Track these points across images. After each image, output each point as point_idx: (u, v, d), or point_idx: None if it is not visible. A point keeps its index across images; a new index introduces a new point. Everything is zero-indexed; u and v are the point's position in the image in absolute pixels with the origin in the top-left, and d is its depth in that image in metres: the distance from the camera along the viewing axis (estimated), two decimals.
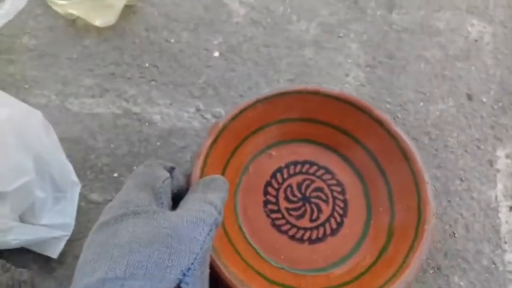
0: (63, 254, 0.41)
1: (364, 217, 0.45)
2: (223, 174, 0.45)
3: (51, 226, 0.40)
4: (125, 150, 0.48)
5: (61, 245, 0.41)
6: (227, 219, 0.43)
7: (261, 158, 0.47)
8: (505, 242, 0.48)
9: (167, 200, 0.33)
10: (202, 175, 0.41)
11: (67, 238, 0.41)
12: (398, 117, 0.52)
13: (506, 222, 0.49)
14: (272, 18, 0.56)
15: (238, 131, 0.45)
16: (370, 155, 0.46)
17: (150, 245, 0.26)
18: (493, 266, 0.46)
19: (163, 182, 0.34)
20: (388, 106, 0.53)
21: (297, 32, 0.56)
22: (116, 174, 0.46)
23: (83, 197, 0.45)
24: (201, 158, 0.42)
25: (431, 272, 0.45)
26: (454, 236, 0.47)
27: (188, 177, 0.41)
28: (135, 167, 0.47)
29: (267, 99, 0.45)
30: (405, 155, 0.43)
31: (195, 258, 0.27)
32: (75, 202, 0.43)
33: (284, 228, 0.45)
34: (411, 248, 0.40)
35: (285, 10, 0.57)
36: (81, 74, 0.51)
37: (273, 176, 0.47)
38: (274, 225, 0.45)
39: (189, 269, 0.26)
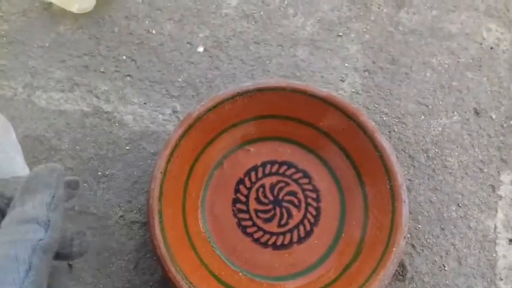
0: None
1: (336, 229, 0.42)
2: (192, 168, 0.42)
3: None
4: (91, 153, 0.44)
5: None
6: (190, 212, 0.41)
7: (237, 154, 0.44)
8: (501, 279, 0.43)
9: None
10: (166, 170, 0.38)
11: None
12: (394, 130, 0.47)
13: (504, 256, 0.44)
14: (266, 11, 0.51)
15: (213, 124, 0.42)
16: (352, 163, 0.43)
17: None
18: None
19: None
20: (384, 118, 0.48)
21: (291, 29, 0.50)
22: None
23: None
24: (168, 150, 0.39)
25: None
26: (444, 269, 0.43)
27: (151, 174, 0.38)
28: (99, 173, 0.43)
29: (247, 93, 0.41)
30: (386, 169, 0.40)
31: None
32: None
33: (250, 230, 0.42)
34: (375, 270, 0.37)
35: (281, 2, 0.52)
36: (52, 65, 0.47)
37: (247, 173, 0.44)
38: (239, 225, 0.42)
39: None
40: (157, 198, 0.37)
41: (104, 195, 0.43)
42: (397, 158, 0.45)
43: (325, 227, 0.42)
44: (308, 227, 0.42)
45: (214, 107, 0.41)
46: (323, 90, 0.41)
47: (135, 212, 0.43)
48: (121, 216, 0.42)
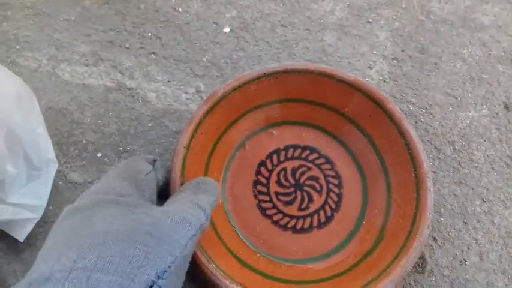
0: (32, 236, 0.38)
1: (357, 215, 0.41)
2: (214, 146, 0.42)
3: (21, 206, 0.37)
4: (113, 128, 0.44)
5: (28, 228, 0.38)
6: None
7: (260, 136, 0.44)
8: None
9: (150, 194, 0.31)
10: (189, 145, 0.38)
11: (36, 221, 0.38)
12: (421, 121, 0.46)
13: None
14: None
15: (237, 104, 0.41)
16: (376, 151, 0.42)
17: (126, 240, 0.23)
18: None
19: (146, 175, 0.31)
20: (411, 108, 0.47)
21: (320, 13, 0.49)
22: (99, 154, 0.43)
23: (62, 175, 0.42)
24: (192, 126, 0.38)
25: None
26: (465, 264, 0.42)
27: (170, 164, 0.38)
28: (120, 148, 0.43)
29: (274, 75, 0.41)
30: (412, 157, 0.39)
31: (173, 261, 0.24)
32: (50, 182, 0.39)
33: (269, 212, 0.41)
34: (397, 256, 0.36)
35: None
36: (77, 39, 0.47)
37: (269, 156, 0.43)
38: (259, 207, 0.42)
39: (165, 271, 0.24)
40: (180, 172, 0.37)
41: None
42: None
43: (346, 213, 0.41)
44: (329, 212, 0.41)
45: (240, 86, 0.40)
46: (350, 75, 0.40)
47: None
48: None
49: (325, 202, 0.42)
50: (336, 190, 0.42)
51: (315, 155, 0.43)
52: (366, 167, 0.42)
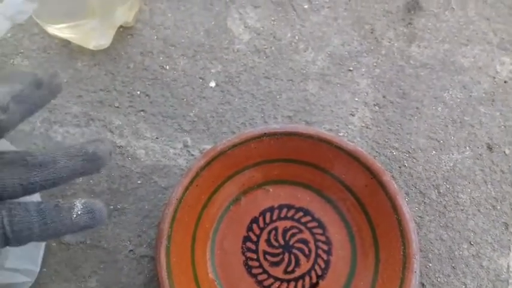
0: None
1: (342, 286, 0.41)
2: (209, 199, 0.42)
3: (15, 270, 0.39)
4: (104, 187, 0.45)
5: None
6: (199, 242, 0.41)
7: (257, 192, 0.44)
8: None
9: None
10: (182, 198, 0.39)
11: (30, 284, 0.39)
12: (405, 165, 0.47)
13: None
14: (277, 46, 0.52)
15: (237, 160, 0.42)
16: (370, 222, 0.42)
17: None
18: None
19: None
20: (394, 153, 0.48)
21: (302, 63, 0.51)
22: None
23: None
24: (187, 179, 0.39)
25: None
26: None
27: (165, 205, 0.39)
28: (111, 207, 0.44)
29: (274, 135, 0.42)
30: (402, 235, 0.39)
31: None
32: (43, 245, 0.41)
33: (255, 271, 0.42)
34: None
35: (292, 37, 0.52)
36: (70, 101, 0.49)
37: (262, 213, 0.44)
38: (246, 264, 0.42)
39: None
40: (169, 223, 0.38)
41: (115, 229, 0.44)
42: (408, 196, 0.45)
43: (331, 282, 0.42)
44: (314, 279, 0.42)
45: (241, 143, 0.41)
46: (349, 143, 0.41)
47: (144, 246, 0.43)
48: (131, 250, 0.43)
49: (312, 268, 0.42)
50: (325, 256, 0.42)
51: (308, 218, 0.44)
52: (358, 236, 0.43)
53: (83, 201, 0.26)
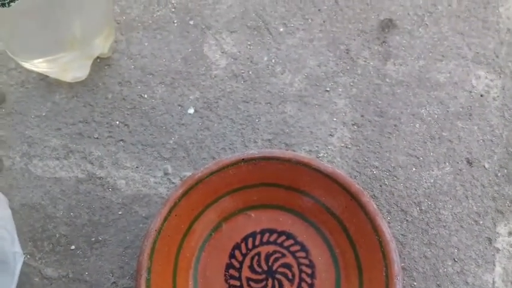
0: None
1: None
2: (189, 227, 0.42)
3: None
4: (85, 219, 0.45)
5: None
6: (181, 272, 0.41)
7: (238, 218, 0.44)
8: None
9: None
10: (161, 228, 0.39)
11: None
12: (385, 184, 0.47)
13: None
14: (254, 70, 0.52)
15: (215, 187, 0.42)
16: (352, 243, 0.42)
17: None
18: None
19: None
20: (374, 171, 0.48)
21: (280, 86, 0.51)
22: (73, 247, 0.44)
23: (37, 271, 0.43)
24: (165, 209, 0.39)
25: None
26: None
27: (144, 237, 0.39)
28: (93, 239, 0.44)
29: (252, 161, 0.42)
30: (384, 255, 0.39)
31: None
32: (16, 275, 0.41)
33: None
34: None
35: (269, 60, 0.53)
36: (48, 134, 0.49)
37: (245, 239, 0.44)
38: None
39: None
40: (148, 255, 0.38)
41: (97, 261, 0.44)
42: (390, 214, 0.45)
43: None
44: None
45: (218, 170, 0.41)
46: (328, 166, 0.41)
47: (127, 277, 0.43)
48: (113, 282, 0.43)
49: None
50: (309, 280, 0.42)
51: (290, 241, 0.44)
52: (341, 258, 0.43)
53: None
